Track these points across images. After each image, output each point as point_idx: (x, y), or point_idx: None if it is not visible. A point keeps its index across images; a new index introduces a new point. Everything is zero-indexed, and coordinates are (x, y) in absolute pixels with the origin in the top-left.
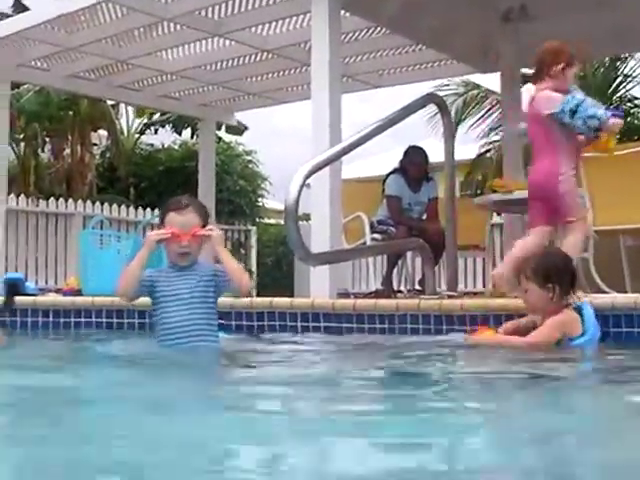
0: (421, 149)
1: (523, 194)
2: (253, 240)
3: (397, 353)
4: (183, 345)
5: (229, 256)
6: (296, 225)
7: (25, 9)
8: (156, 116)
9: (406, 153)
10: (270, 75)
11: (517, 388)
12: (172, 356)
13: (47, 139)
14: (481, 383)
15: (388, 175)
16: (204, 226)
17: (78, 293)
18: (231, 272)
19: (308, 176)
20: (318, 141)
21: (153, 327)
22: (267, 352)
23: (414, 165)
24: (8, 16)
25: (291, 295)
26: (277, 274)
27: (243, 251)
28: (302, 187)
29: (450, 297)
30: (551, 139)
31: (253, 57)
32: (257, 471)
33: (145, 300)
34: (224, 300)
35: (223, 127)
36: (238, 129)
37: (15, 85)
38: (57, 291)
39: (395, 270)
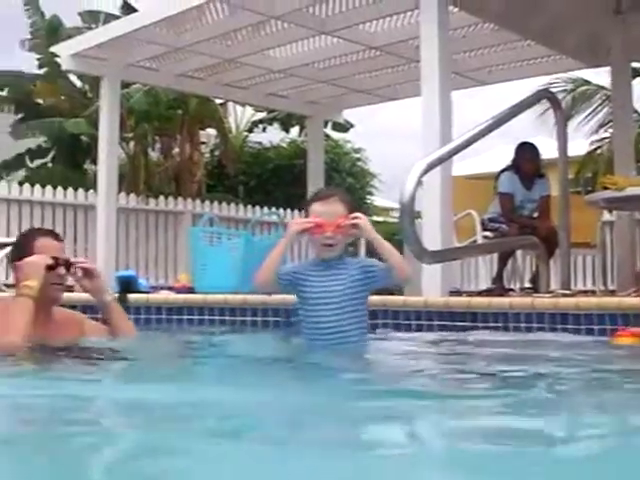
0: (534, 146)
1: (635, 191)
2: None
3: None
4: (334, 345)
5: (384, 243)
6: (412, 222)
7: (133, 10)
8: (262, 115)
9: (518, 150)
10: (378, 72)
11: None
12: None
13: (156, 138)
14: None
15: (501, 172)
16: None
17: (190, 290)
18: (389, 260)
19: (424, 173)
20: (428, 139)
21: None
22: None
23: (527, 162)
24: (117, 17)
25: (398, 294)
26: None
27: (352, 248)
28: (418, 184)
29: (564, 295)
30: None
31: (360, 54)
32: None
33: (257, 298)
34: None
35: (329, 125)
36: (344, 126)
37: (125, 85)
38: (169, 288)
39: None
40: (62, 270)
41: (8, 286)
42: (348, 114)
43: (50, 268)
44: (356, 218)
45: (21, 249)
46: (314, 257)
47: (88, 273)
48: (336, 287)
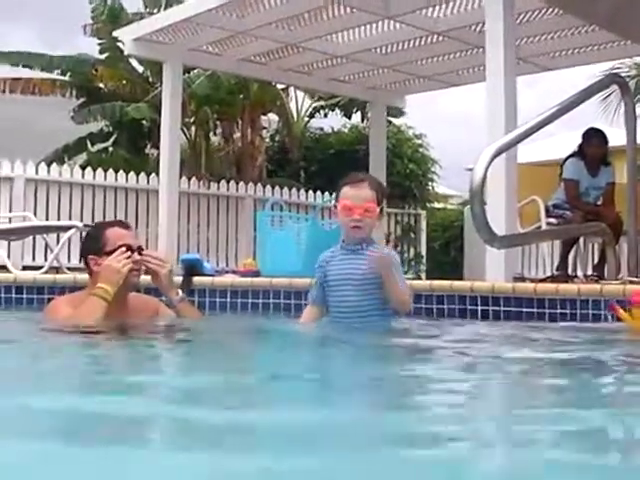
0: (601, 132)
1: None
2: (423, 224)
3: None
4: (356, 325)
5: (394, 284)
6: (482, 207)
7: None
8: (323, 102)
9: (585, 136)
10: (440, 58)
11: None
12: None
13: (217, 123)
14: None
15: (567, 158)
16: (379, 203)
17: (255, 274)
18: (394, 300)
19: (493, 158)
20: (493, 124)
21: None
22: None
23: (594, 148)
24: (179, 2)
25: (459, 280)
26: (444, 259)
27: (413, 235)
28: (487, 169)
29: (632, 282)
30: None
31: (423, 40)
32: None
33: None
34: None
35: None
36: (398, 111)
37: (186, 70)
38: (233, 272)
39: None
40: (137, 256)
41: (70, 269)
42: (410, 100)
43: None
44: (380, 259)
45: (94, 241)
46: (341, 242)
47: (153, 271)
48: (358, 268)
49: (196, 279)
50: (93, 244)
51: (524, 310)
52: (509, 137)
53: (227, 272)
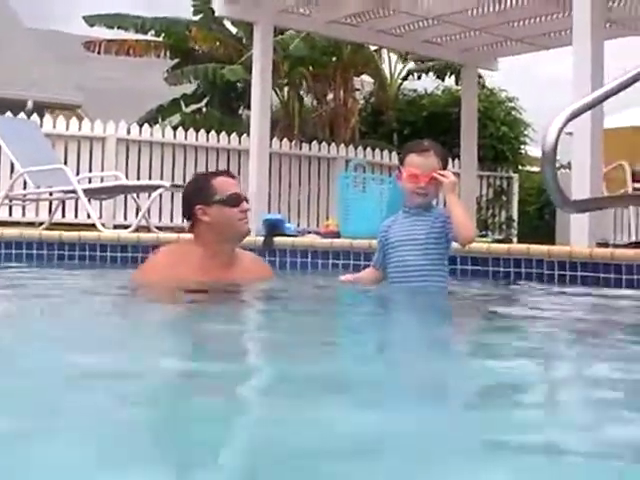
0: None
1: None
2: (515, 187)
3: None
4: (415, 286)
5: (456, 203)
6: (553, 170)
7: None
8: (414, 65)
9: None
10: (532, 20)
11: None
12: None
13: (310, 84)
14: None
15: None
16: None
17: (336, 235)
18: (453, 219)
19: (568, 121)
20: (579, 88)
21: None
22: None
23: None
24: None
25: (552, 244)
26: (538, 223)
27: (505, 198)
28: (560, 132)
29: None
30: None
31: (515, 1)
32: None
33: None
34: (480, 246)
35: None
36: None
37: (279, 31)
38: (316, 233)
39: None
40: (246, 205)
41: (159, 228)
42: (504, 64)
43: (234, 205)
44: (443, 175)
45: (202, 191)
46: (403, 208)
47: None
48: (420, 230)
49: (277, 239)
50: (201, 194)
51: (601, 276)
52: (585, 100)
53: (309, 233)
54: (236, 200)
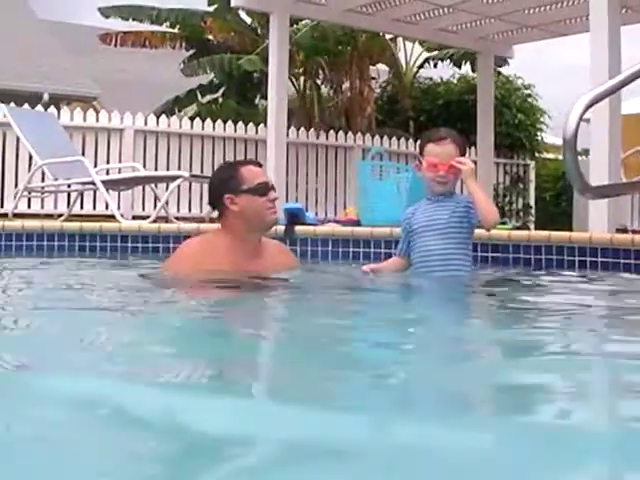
0: None
1: None
2: (532, 174)
3: None
4: (439, 273)
5: (477, 188)
6: (574, 156)
7: None
8: (434, 53)
9: None
10: (548, 7)
11: None
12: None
13: (326, 73)
14: None
15: None
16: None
17: (356, 223)
18: (477, 203)
19: (588, 107)
20: (596, 74)
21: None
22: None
23: None
24: None
25: (569, 231)
26: (555, 210)
27: (521, 185)
28: (581, 117)
29: None
30: None
31: None
32: None
33: None
34: (500, 233)
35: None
36: (501, 59)
37: (294, 21)
38: (335, 221)
39: None
40: (273, 194)
41: (178, 219)
42: (518, 50)
43: (262, 194)
44: (461, 162)
45: (230, 180)
46: (426, 197)
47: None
48: (441, 216)
49: (298, 228)
50: (229, 183)
51: (622, 262)
52: (605, 86)
53: (329, 221)
54: (264, 189)
